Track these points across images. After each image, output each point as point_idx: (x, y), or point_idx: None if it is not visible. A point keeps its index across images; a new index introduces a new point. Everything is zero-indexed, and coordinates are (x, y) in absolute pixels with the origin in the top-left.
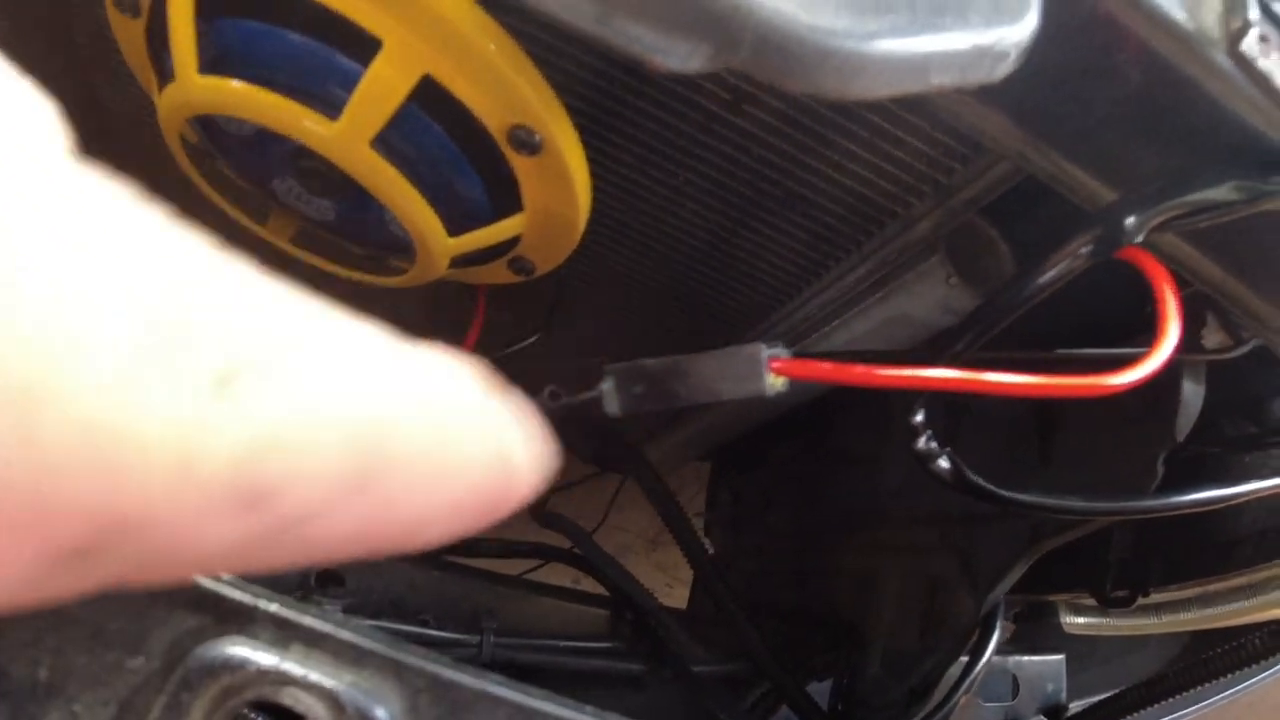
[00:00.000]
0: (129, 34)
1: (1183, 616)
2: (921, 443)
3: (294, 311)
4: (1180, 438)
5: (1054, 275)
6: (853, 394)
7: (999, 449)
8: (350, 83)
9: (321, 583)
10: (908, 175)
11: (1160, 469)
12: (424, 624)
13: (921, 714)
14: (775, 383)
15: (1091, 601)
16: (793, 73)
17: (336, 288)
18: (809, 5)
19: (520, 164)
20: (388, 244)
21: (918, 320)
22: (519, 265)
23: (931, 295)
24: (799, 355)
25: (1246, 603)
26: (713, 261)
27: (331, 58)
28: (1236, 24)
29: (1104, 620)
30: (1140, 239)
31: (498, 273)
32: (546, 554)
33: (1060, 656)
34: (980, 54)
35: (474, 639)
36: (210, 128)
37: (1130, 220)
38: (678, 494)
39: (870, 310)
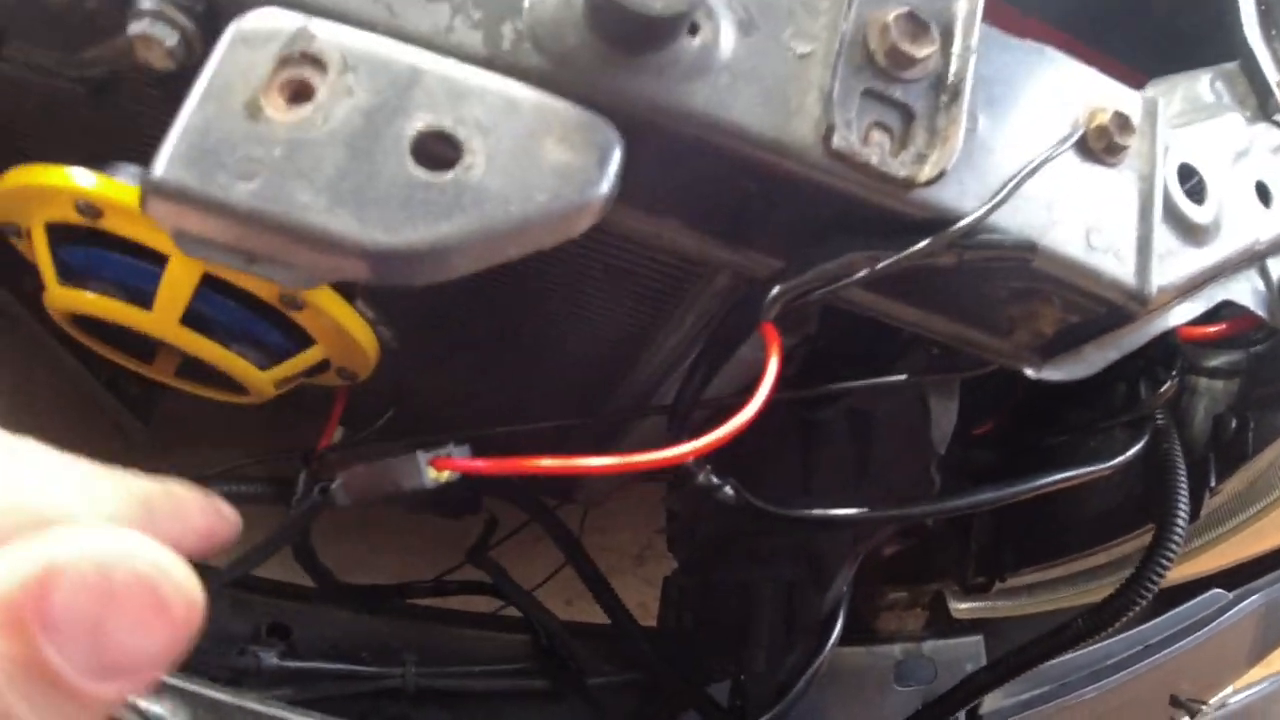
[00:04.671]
0: (25, 249)
1: (1055, 595)
2: (701, 478)
3: None
4: (940, 450)
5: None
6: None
7: (817, 470)
8: (151, 279)
9: (271, 632)
10: None
11: (936, 476)
12: (361, 662)
13: (781, 705)
14: (439, 476)
15: None
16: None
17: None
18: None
19: (297, 315)
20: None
21: (744, 357)
22: (344, 374)
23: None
24: (447, 456)
25: (1106, 579)
26: (553, 339)
27: (133, 263)
28: (825, 127)
29: (987, 604)
30: (772, 315)
31: (333, 380)
32: (472, 589)
33: (977, 637)
34: (569, 214)
35: (398, 671)
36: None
37: (766, 301)
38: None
39: None
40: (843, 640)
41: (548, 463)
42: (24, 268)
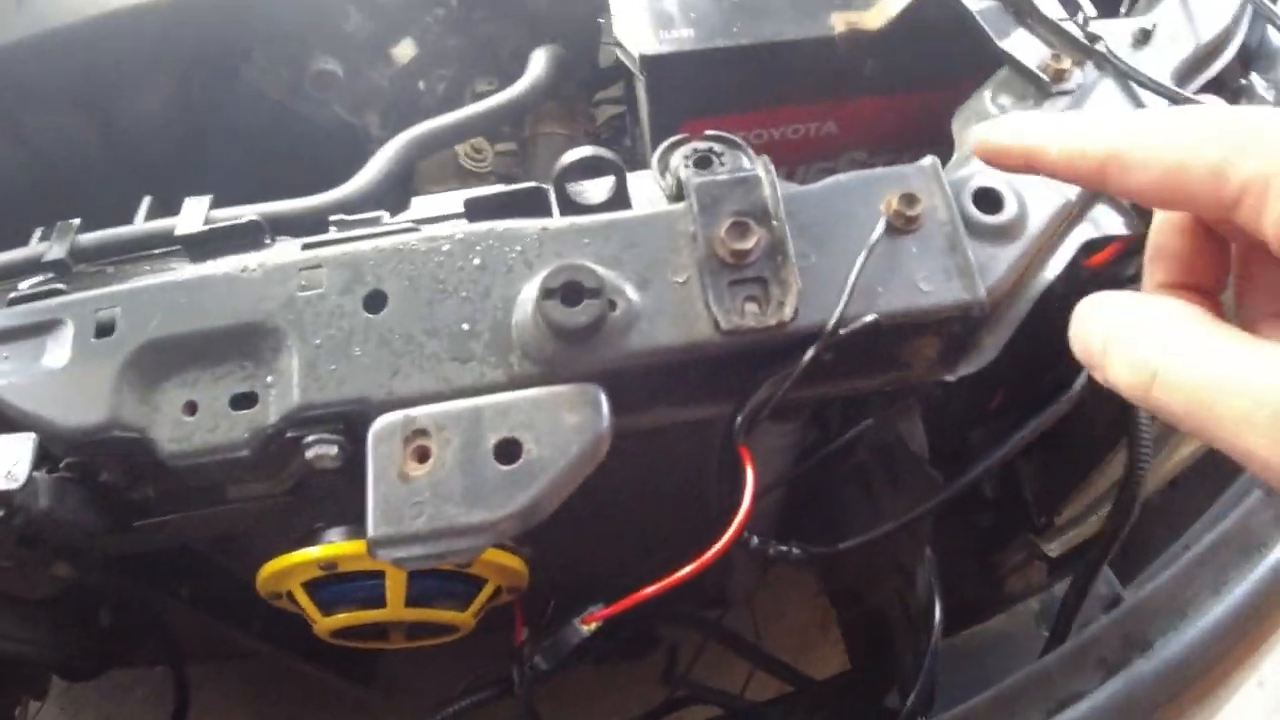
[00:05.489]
0: (283, 605)
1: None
2: (771, 552)
3: None
4: (924, 453)
5: None
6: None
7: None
8: (379, 589)
9: None
10: None
11: (934, 473)
12: None
13: (916, 687)
14: (590, 627)
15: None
16: None
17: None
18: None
19: (469, 569)
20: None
21: (777, 448)
22: (512, 591)
23: (769, 437)
24: (590, 613)
25: None
26: (643, 499)
27: (364, 584)
28: (715, 318)
29: (1069, 535)
30: (742, 439)
31: (507, 598)
32: (680, 704)
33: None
34: (593, 449)
35: None
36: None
37: (739, 431)
38: None
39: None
40: (984, 616)
41: (649, 590)
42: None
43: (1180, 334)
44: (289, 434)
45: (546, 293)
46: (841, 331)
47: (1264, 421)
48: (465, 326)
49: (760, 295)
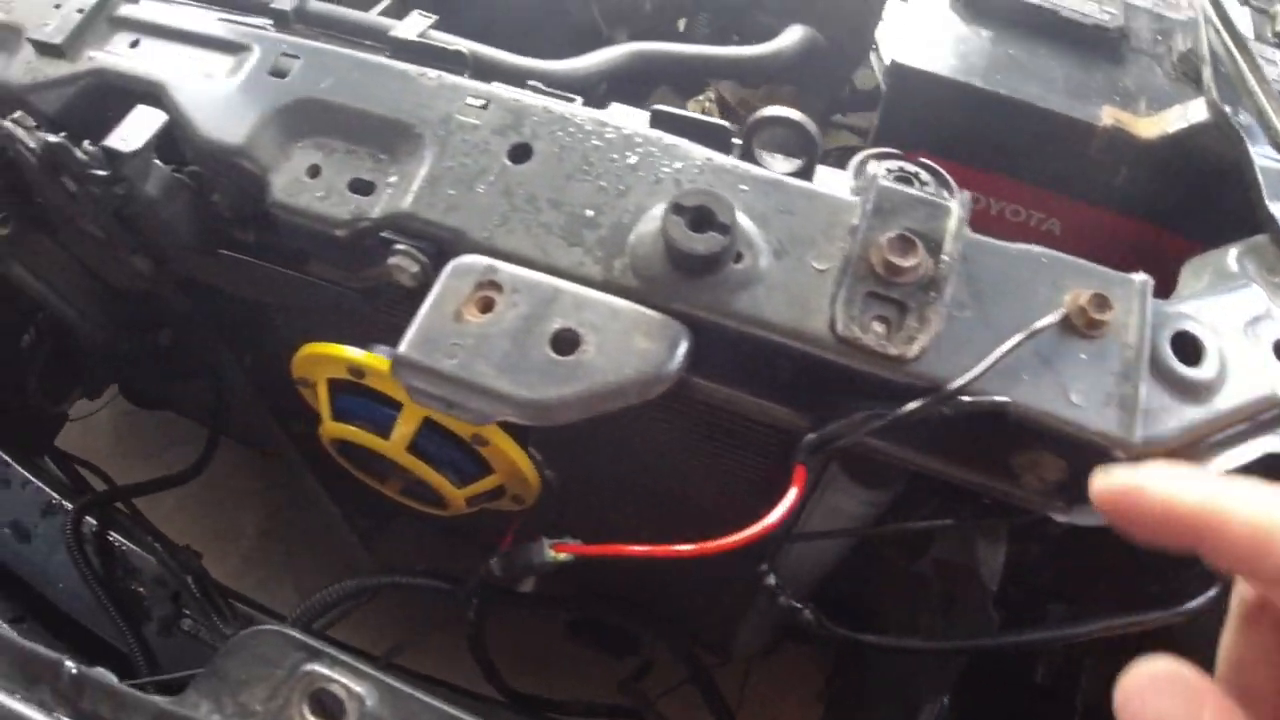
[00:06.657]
0: (309, 395)
1: None
2: (782, 600)
3: None
4: (993, 586)
5: None
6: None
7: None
8: (390, 420)
9: None
10: None
11: (994, 614)
12: None
13: None
14: (558, 556)
15: None
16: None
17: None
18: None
19: (482, 450)
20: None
21: (846, 511)
22: (516, 500)
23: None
24: (564, 543)
25: None
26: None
27: (380, 408)
28: (834, 318)
29: None
30: (802, 458)
31: (507, 505)
32: (622, 714)
33: None
34: (648, 383)
35: None
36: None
37: (803, 450)
38: None
39: (816, 509)
40: None
41: (638, 548)
42: (302, 415)
43: None
44: (383, 234)
45: (676, 208)
46: (963, 398)
47: None
48: (589, 213)
49: (893, 320)
